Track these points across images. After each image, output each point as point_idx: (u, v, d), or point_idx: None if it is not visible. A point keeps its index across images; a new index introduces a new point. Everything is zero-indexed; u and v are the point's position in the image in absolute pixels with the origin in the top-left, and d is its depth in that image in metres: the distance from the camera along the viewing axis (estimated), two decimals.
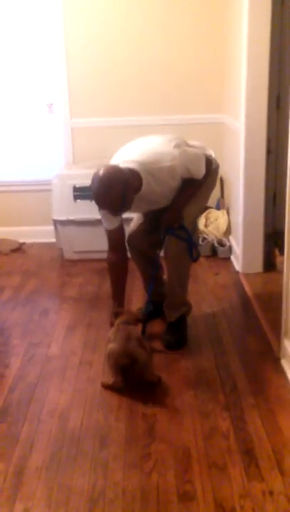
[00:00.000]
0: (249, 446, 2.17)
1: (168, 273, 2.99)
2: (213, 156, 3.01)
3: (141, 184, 2.66)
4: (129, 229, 3.05)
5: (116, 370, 2.55)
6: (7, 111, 4.51)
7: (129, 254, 2.99)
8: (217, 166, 3.06)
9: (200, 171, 2.79)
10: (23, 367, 2.81)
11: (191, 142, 2.93)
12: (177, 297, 2.99)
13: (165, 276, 3.13)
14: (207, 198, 3.10)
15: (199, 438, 2.23)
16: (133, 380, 2.55)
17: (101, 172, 2.56)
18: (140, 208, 2.93)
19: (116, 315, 2.80)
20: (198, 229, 4.22)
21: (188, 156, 2.74)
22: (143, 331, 2.91)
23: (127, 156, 2.74)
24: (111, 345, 2.58)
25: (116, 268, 2.90)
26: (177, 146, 2.74)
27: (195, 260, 2.94)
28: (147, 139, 2.86)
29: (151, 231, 3.02)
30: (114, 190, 2.53)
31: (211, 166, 2.92)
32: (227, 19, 4.14)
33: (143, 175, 2.65)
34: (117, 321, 2.75)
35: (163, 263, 3.05)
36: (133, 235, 3.06)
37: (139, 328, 2.87)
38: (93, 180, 2.58)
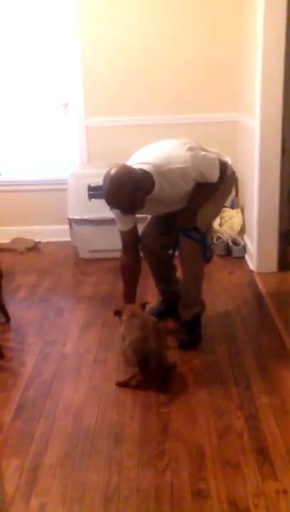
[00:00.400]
0: (263, 445, 2.18)
1: (182, 273, 3.00)
2: (229, 162, 3.01)
3: (153, 186, 2.68)
4: (142, 229, 3.08)
5: (136, 359, 2.57)
6: (23, 111, 4.54)
7: (141, 254, 3.02)
8: (233, 173, 3.08)
9: (214, 175, 2.79)
10: (39, 365, 2.84)
11: (208, 148, 2.92)
12: (191, 296, 3.00)
13: (179, 275, 3.14)
14: (222, 202, 3.12)
15: (213, 436, 2.24)
16: (150, 371, 2.57)
17: (112, 171, 2.59)
18: (154, 211, 2.95)
19: (119, 313, 2.86)
20: (213, 229, 4.22)
21: (200, 159, 2.75)
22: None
23: (141, 158, 2.77)
24: (132, 336, 2.63)
25: (128, 269, 2.93)
26: (190, 149, 2.75)
27: (208, 261, 2.95)
28: (161, 143, 2.88)
29: (163, 233, 3.04)
30: (124, 189, 2.56)
31: (226, 172, 2.92)
32: (242, 17, 4.13)
33: (155, 176, 2.67)
34: (123, 317, 2.81)
35: (177, 263, 3.06)
36: (146, 235, 3.08)
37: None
38: (104, 179, 2.61)
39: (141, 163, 2.72)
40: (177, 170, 2.69)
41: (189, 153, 2.72)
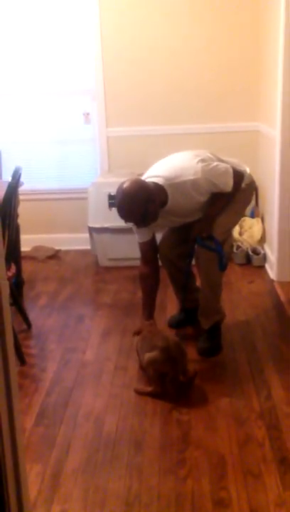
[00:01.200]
0: (285, 454, 2.16)
1: (201, 282, 3.01)
2: (248, 171, 3.02)
3: (166, 198, 2.73)
4: (160, 239, 3.11)
5: (157, 377, 2.57)
6: (45, 120, 4.60)
7: (160, 263, 3.05)
8: (253, 182, 3.08)
9: (227, 184, 2.80)
10: (59, 371, 2.86)
11: (226, 158, 2.94)
12: (210, 305, 3.00)
13: (198, 284, 3.14)
14: (240, 212, 3.13)
15: (234, 445, 2.23)
16: (171, 386, 2.57)
17: (124, 185, 2.66)
18: (172, 222, 2.98)
19: (138, 333, 2.87)
20: (233, 238, 4.22)
21: (211, 170, 2.76)
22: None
23: (153, 172, 2.84)
24: (152, 354, 2.59)
25: (147, 280, 2.97)
26: (201, 161, 2.78)
27: (223, 270, 2.94)
28: (174, 156, 2.93)
29: (181, 242, 3.06)
30: (136, 202, 2.63)
31: (243, 182, 2.92)
32: (263, 27, 4.15)
33: (168, 189, 2.73)
34: (144, 331, 2.82)
35: (196, 271, 3.08)
36: (164, 244, 3.11)
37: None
38: (117, 193, 2.69)
39: (152, 176, 2.79)
40: (188, 182, 2.72)
41: (200, 165, 2.75)
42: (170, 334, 2.83)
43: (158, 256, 3.08)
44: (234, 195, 2.88)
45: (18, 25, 4.38)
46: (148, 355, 2.62)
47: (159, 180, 2.73)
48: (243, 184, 2.94)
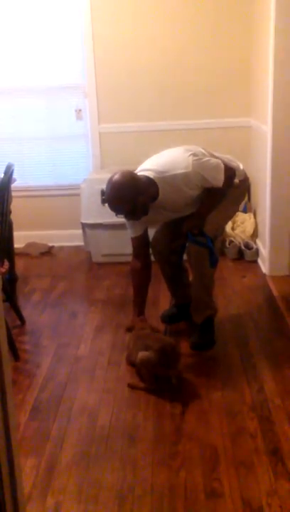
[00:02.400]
0: (277, 446, 2.19)
1: (192, 277, 3.03)
2: (241, 168, 3.03)
3: (157, 192, 2.74)
4: (153, 234, 3.13)
5: (150, 377, 2.59)
6: (37, 117, 4.60)
7: (153, 258, 3.07)
8: (246, 178, 3.10)
9: (218, 179, 2.80)
10: (53, 367, 2.87)
11: (219, 154, 2.95)
12: (202, 300, 3.02)
13: (190, 279, 3.16)
14: (233, 208, 3.15)
15: (226, 437, 2.26)
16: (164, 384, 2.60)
17: (115, 176, 2.68)
18: (165, 216, 2.99)
19: (130, 329, 2.88)
20: (225, 233, 4.24)
21: (202, 164, 2.77)
22: (165, 333, 2.99)
23: (144, 166, 2.85)
24: (146, 354, 2.60)
25: (138, 275, 2.98)
26: (193, 155, 2.79)
27: (213, 267, 2.96)
28: (166, 151, 2.94)
29: (173, 237, 3.08)
30: (125, 194, 2.65)
31: (236, 178, 2.93)
32: (254, 23, 4.17)
33: (159, 183, 2.74)
34: (136, 329, 2.83)
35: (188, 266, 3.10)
36: (157, 240, 3.13)
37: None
38: (107, 183, 2.71)
39: (144, 170, 2.80)
40: (179, 175, 2.73)
41: (191, 159, 2.76)
42: (166, 336, 2.84)
43: (151, 251, 3.10)
44: (226, 191, 2.89)
45: (9, 21, 4.37)
46: (141, 354, 2.61)
47: (150, 174, 2.74)
48: (236, 180, 2.95)
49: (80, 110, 4.56)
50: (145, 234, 2.98)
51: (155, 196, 2.75)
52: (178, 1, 4.27)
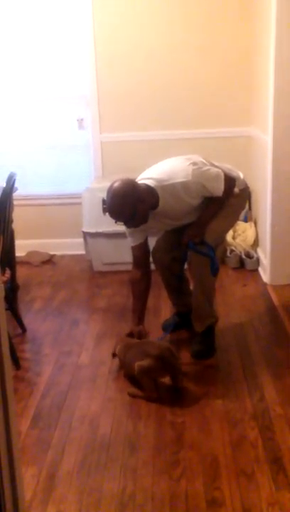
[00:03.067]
0: (277, 455, 2.19)
1: (193, 286, 3.04)
2: (241, 177, 3.05)
3: (157, 200, 2.76)
4: (154, 243, 3.14)
5: (151, 384, 2.58)
6: (39, 127, 4.63)
7: (153, 267, 3.08)
8: (246, 188, 3.12)
9: (218, 188, 2.82)
10: (54, 375, 2.88)
11: (219, 163, 2.96)
12: (203, 309, 3.03)
13: (191, 287, 3.17)
14: (234, 217, 3.17)
15: (227, 446, 2.26)
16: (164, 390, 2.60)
17: (115, 184, 2.70)
18: (164, 225, 3.01)
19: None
20: (226, 242, 4.26)
21: (201, 173, 2.79)
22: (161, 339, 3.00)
23: (145, 174, 2.87)
24: (144, 363, 2.58)
25: (138, 284, 2.99)
26: (193, 164, 2.81)
27: (214, 275, 2.97)
28: (167, 160, 2.96)
29: (174, 246, 3.09)
30: (125, 201, 2.66)
31: (236, 187, 2.94)
32: (255, 32, 4.20)
33: (159, 191, 2.76)
34: (121, 340, 2.85)
35: (189, 275, 3.11)
36: (158, 248, 3.14)
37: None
38: (107, 191, 2.72)
39: (144, 178, 2.82)
40: (179, 184, 2.75)
41: (191, 168, 2.78)
42: (160, 342, 2.82)
43: (152, 260, 3.11)
44: (227, 201, 2.91)
45: (11, 31, 4.41)
46: (140, 364, 2.59)
47: (150, 182, 2.76)
48: (237, 189, 2.97)
49: (82, 119, 4.58)
50: (145, 243, 2.99)
51: (155, 204, 2.77)
52: (179, 12, 4.31)
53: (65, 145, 4.66)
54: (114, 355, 2.86)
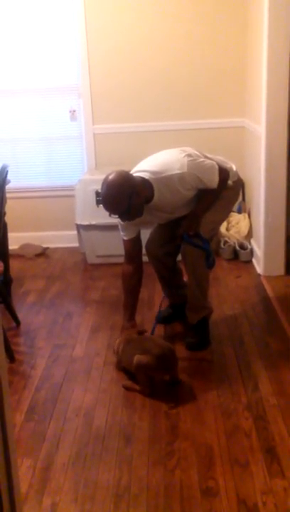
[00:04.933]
0: (271, 444, 2.21)
1: (188, 278, 3.04)
2: (234, 169, 3.05)
3: (153, 193, 2.75)
4: (148, 237, 3.14)
5: (147, 380, 2.58)
6: (31, 118, 4.61)
7: (146, 259, 3.08)
8: (239, 180, 3.12)
9: (212, 180, 2.82)
10: (49, 368, 2.88)
11: (211, 155, 2.96)
12: (197, 301, 3.03)
13: (185, 279, 3.18)
14: (227, 209, 3.16)
15: (221, 436, 2.27)
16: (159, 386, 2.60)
17: (110, 176, 2.68)
18: (159, 218, 3.00)
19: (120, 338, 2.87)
20: (220, 233, 4.26)
21: (197, 165, 2.79)
22: (152, 332, 2.98)
23: (140, 167, 2.86)
24: (144, 358, 2.57)
25: (129, 279, 2.97)
26: (187, 156, 2.80)
27: (211, 268, 2.97)
28: (161, 152, 2.95)
29: (168, 240, 3.09)
30: (120, 193, 2.64)
31: (230, 179, 2.94)
32: (248, 24, 4.19)
33: (154, 184, 2.74)
34: (124, 334, 2.83)
35: (183, 267, 3.11)
36: (152, 241, 3.14)
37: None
38: (102, 184, 2.70)
39: (139, 171, 2.81)
40: (174, 176, 2.74)
41: (186, 159, 2.77)
42: (162, 341, 2.80)
43: (145, 253, 3.10)
44: (220, 193, 2.91)
45: (3, 22, 4.38)
46: (139, 358, 2.58)
47: (145, 175, 2.75)
48: (230, 182, 2.97)
49: (74, 111, 4.56)
50: (138, 237, 2.97)
51: (150, 197, 2.76)
52: (173, 3, 4.28)
53: (58, 137, 4.64)
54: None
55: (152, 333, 2.96)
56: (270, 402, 2.48)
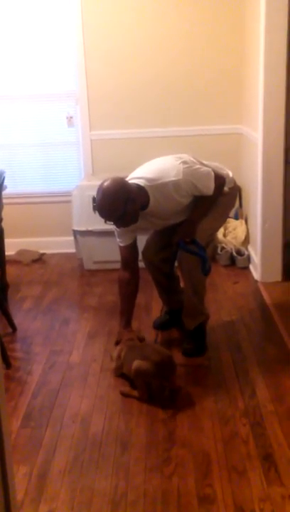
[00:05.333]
0: (269, 451, 2.20)
1: (184, 285, 3.03)
2: (231, 176, 3.05)
3: (148, 200, 2.75)
4: (144, 243, 3.14)
5: (144, 386, 2.57)
6: (29, 124, 4.61)
7: (143, 265, 3.08)
8: (236, 186, 3.12)
9: (208, 187, 2.82)
10: (45, 374, 2.87)
11: (208, 162, 2.96)
12: (194, 307, 3.03)
13: (182, 285, 3.17)
14: (223, 216, 3.16)
15: (219, 443, 2.26)
16: (157, 393, 2.59)
17: (105, 183, 2.68)
18: (154, 225, 3.00)
19: (118, 342, 2.86)
20: (217, 239, 4.27)
21: (192, 172, 2.79)
22: (155, 340, 2.99)
23: (135, 174, 2.86)
24: (143, 364, 2.56)
25: (126, 285, 2.97)
26: (183, 163, 2.80)
27: (207, 274, 2.97)
28: (157, 159, 2.95)
29: (164, 246, 3.08)
30: (115, 200, 2.64)
31: (226, 185, 2.94)
32: (245, 30, 4.21)
33: (149, 191, 2.74)
34: (125, 340, 2.81)
35: (179, 274, 3.11)
36: (148, 248, 3.14)
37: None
38: (97, 190, 2.70)
39: (134, 178, 2.80)
40: (170, 183, 2.74)
41: (181, 167, 2.77)
42: (162, 348, 2.79)
43: (142, 260, 3.10)
44: (217, 199, 2.91)
45: (0, 29, 4.39)
46: (138, 364, 2.58)
47: (141, 182, 2.75)
48: (226, 188, 2.97)
49: (71, 117, 4.57)
50: (134, 244, 2.96)
51: (145, 204, 2.76)
52: (169, 10, 4.30)
53: (55, 143, 4.64)
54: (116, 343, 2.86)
55: (155, 341, 2.96)
56: (267, 409, 2.48)
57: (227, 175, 3.02)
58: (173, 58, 4.39)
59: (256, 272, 4.01)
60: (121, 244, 2.95)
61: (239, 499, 1.95)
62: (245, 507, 1.92)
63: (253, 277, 4.02)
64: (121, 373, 2.75)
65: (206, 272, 2.92)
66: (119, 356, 2.77)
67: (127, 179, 2.82)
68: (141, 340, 2.88)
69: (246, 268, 4.18)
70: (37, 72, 4.49)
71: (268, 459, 2.15)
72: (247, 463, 2.14)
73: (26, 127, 4.62)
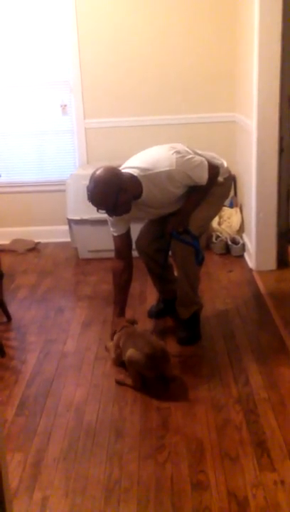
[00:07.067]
0: (262, 438, 2.22)
1: (178, 274, 3.04)
2: (225, 165, 3.04)
3: (141, 190, 2.74)
4: (138, 233, 3.14)
5: (137, 376, 2.58)
6: (22, 112, 4.58)
7: (137, 255, 3.08)
8: (230, 176, 3.11)
9: (202, 177, 2.81)
10: (40, 363, 2.87)
11: (202, 151, 2.95)
12: (187, 296, 3.03)
13: (176, 274, 3.17)
14: (218, 206, 3.16)
15: (212, 430, 2.28)
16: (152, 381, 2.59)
17: (97, 172, 2.67)
18: (147, 213, 2.99)
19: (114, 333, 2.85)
20: (211, 228, 4.27)
21: (185, 161, 2.77)
22: (152, 332, 2.99)
23: (128, 164, 2.84)
24: (135, 354, 2.56)
25: (120, 275, 2.96)
26: (176, 152, 2.78)
27: (200, 264, 2.97)
28: (150, 149, 2.93)
29: (158, 236, 3.08)
30: (107, 189, 2.63)
31: (220, 175, 2.93)
32: (239, 18, 4.18)
33: (143, 180, 2.73)
34: (119, 328, 2.80)
35: (173, 263, 3.11)
36: (142, 237, 3.14)
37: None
38: (90, 179, 2.69)
39: (128, 167, 2.79)
40: (163, 173, 2.73)
41: (175, 156, 2.75)
42: (155, 338, 2.77)
43: (136, 249, 3.09)
44: (210, 189, 2.90)
45: None
46: (131, 353, 2.58)
47: (134, 171, 2.74)
48: (220, 178, 2.96)
49: (65, 105, 4.54)
50: (127, 233, 2.95)
51: (138, 194, 2.75)
52: None
53: (49, 131, 4.61)
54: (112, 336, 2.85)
55: (152, 332, 2.97)
56: (260, 396, 2.49)
57: (222, 165, 3.01)
58: (167, 46, 4.35)
59: (250, 260, 4.02)
60: (115, 234, 2.94)
61: (232, 485, 1.97)
62: (238, 493, 1.94)
63: (247, 266, 4.03)
64: (121, 362, 2.74)
65: (199, 261, 2.92)
66: (117, 345, 2.76)
67: (120, 168, 2.81)
68: (133, 323, 2.87)
69: (241, 256, 4.18)
70: (30, 60, 4.45)
71: (261, 446, 2.17)
72: (240, 449, 2.15)
73: (20, 116, 4.58)
